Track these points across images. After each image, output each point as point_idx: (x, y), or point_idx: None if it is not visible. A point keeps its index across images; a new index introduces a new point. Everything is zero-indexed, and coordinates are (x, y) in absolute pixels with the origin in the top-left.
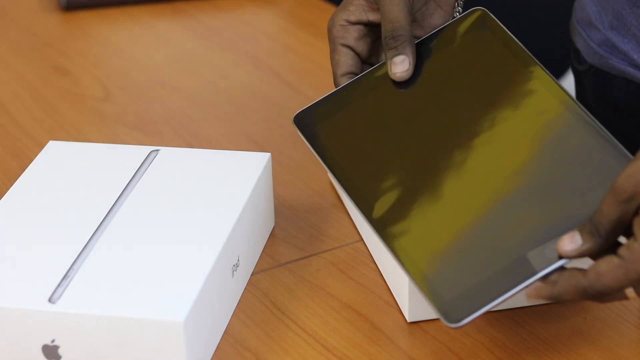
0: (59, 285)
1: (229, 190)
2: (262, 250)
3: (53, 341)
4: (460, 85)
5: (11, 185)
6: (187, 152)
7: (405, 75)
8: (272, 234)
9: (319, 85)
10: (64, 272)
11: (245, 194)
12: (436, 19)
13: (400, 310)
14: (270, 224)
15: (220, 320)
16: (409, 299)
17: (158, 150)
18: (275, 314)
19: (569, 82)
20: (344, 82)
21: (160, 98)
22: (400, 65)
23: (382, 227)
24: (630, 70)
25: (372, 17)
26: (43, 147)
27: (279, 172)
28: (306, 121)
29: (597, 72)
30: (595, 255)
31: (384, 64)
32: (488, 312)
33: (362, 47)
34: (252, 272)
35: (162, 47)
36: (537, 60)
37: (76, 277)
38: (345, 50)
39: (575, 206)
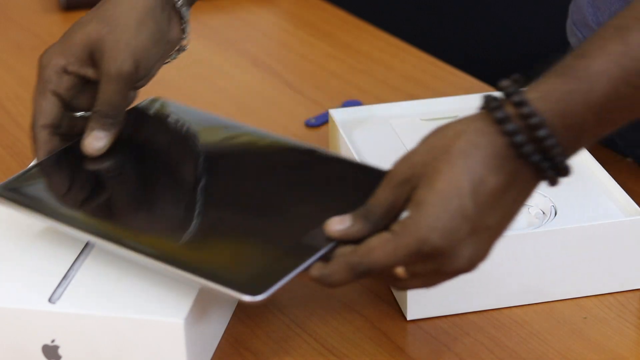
0: (59, 285)
1: None
2: None
3: (53, 341)
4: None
5: None
6: None
7: (95, 153)
8: None
9: (318, 85)
10: (64, 272)
11: None
12: (155, 63)
13: (400, 310)
14: None
15: (220, 320)
16: (409, 299)
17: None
18: (275, 314)
19: None
20: (41, 135)
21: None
22: (97, 141)
23: (159, 253)
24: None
25: (91, 73)
26: None
27: None
28: (18, 190)
29: None
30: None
31: None
32: (488, 312)
33: (70, 95)
34: None
35: None
36: (235, 122)
37: (76, 277)
38: (54, 99)
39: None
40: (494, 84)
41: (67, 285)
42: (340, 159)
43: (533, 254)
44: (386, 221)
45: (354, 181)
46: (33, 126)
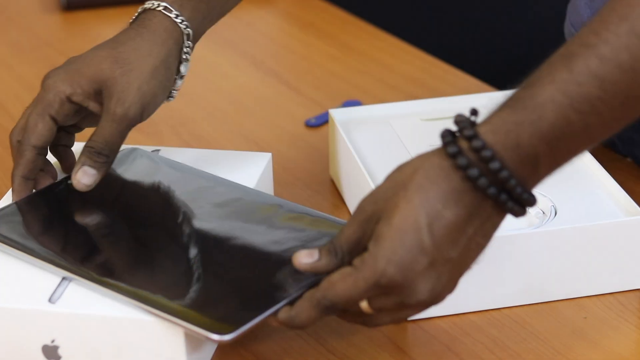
0: (59, 285)
1: None
2: None
3: (53, 341)
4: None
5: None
6: (187, 151)
7: (84, 188)
8: None
9: (318, 86)
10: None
11: None
12: (157, 99)
13: None
14: None
15: None
16: None
17: (158, 150)
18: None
19: None
20: (28, 153)
21: None
22: (88, 177)
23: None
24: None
25: (92, 106)
26: None
27: (279, 172)
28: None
29: None
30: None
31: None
32: (488, 312)
33: (66, 121)
34: None
35: None
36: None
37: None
38: (51, 124)
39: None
40: (494, 84)
41: (67, 285)
42: (307, 212)
43: (533, 254)
44: (352, 256)
45: (319, 230)
46: (23, 142)
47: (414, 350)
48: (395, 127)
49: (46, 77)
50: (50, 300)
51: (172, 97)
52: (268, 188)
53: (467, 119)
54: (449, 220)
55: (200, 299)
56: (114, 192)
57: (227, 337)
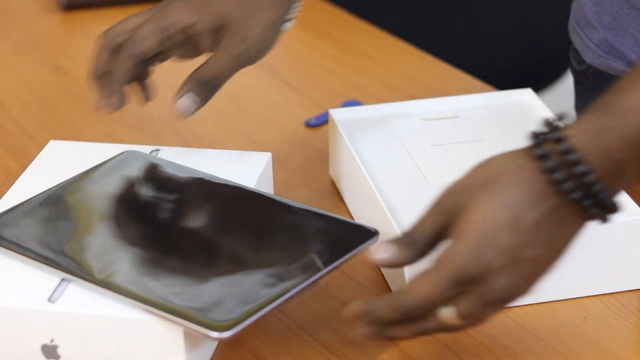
0: (58, 285)
1: None
2: None
3: (52, 341)
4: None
5: (11, 185)
6: (188, 151)
7: (183, 114)
8: None
9: (318, 86)
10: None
11: None
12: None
13: None
14: None
15: None
16: None
17: (158, 149)
18: (275, 313)
19: (567, 83)
20: (129, 60)
21: (160, 98)
22: (190, 104)
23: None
24: (628, 70)
25: (205, 43)
26: (43, 147)
27: (279, 172)
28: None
29: (596, 73)
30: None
31: (78, 179)
32: None
33: (168, 47)
34: None
35: None
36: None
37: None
38: (158, 45)
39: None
40: (494, 84)
41: (66, 285)
42: (307, 210)
43: None
44: (429, 248)
45: (318, 227)
46: (126, 48)
47: (414, 350)
48: (395, 127)
49: (166, 3)
50: (49, 299)
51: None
52: (268, 188)
53: (555, 122)
54: (531, 221)
55: (198, 297)
56: (113, 193)
57: (225, 335)
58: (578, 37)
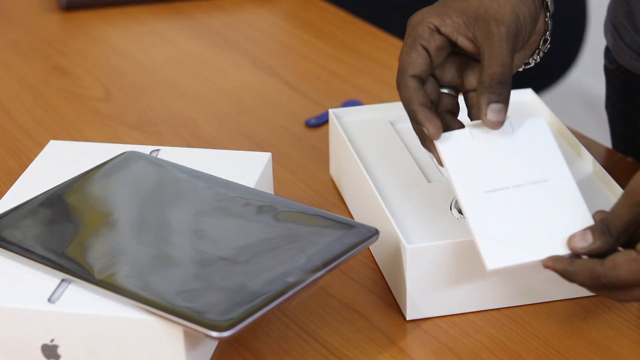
0: (58, 285)
1: None
2: None
3: (52, 341)
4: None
5: (11, 185)
6: (188, 151)
7: (498, 126)
8: None
9: (318, 85)
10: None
11: None
12: (516, 60)
13: (400, 310)
14: None
15: None
16: (408, 299)
17: (158, 149)
18: (275, 313)
19: (568, 83)
20: (410, 82)
21: (160, 98)
22: (498, 115)
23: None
24: None
25: (461, 41)
26: (43, 147)
27: (279, 172)
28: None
29: (625, 73)
30: (604, 256)
31: (79, 178)
32: (488, 312)
33: (437, 57)
34: None
35: (162, 47)
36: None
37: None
38: (424, 53)
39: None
40: None
41: (66, 286)
42: (307, 209)
43: None
44: (625, 236)
45: (317, 227)
46: (401, 75)
47: (414, 350)
48: (395, 127)
49: (414, 15)
50: (49, 300)
51: (535, 58)
52: (268, 188)
53: None
54: None
55: (198, 297)
56: (113, 194)
57: (225, 334)
58: (610, 36)
